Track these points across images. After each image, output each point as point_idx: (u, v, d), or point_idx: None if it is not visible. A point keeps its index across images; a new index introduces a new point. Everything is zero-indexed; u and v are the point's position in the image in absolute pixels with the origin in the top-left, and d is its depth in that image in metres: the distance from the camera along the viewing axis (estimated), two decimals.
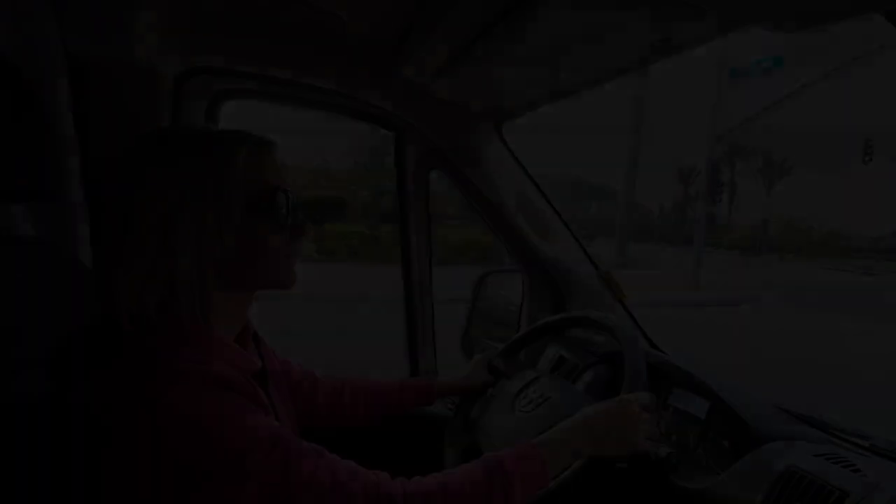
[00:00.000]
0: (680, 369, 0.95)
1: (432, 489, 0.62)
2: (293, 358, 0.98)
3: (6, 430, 0.58)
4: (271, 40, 1.09)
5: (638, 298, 1.61)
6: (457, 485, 0.63)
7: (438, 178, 1.35)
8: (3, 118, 0.69)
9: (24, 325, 0.67)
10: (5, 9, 0.85)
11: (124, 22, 0.93)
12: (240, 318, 0.72)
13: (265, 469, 0.55)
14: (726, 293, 10.60)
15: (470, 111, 1.18)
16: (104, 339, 0.60)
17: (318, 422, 1.00)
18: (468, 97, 1.12)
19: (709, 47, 0.90)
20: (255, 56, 1.12)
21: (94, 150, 0.97)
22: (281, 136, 0.77)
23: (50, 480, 0.58)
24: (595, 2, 0.70)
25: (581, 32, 0.73)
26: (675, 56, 0.80)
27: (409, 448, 1.26)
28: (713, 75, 10.53)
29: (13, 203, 0.87)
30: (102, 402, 0.56)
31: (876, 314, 8.96)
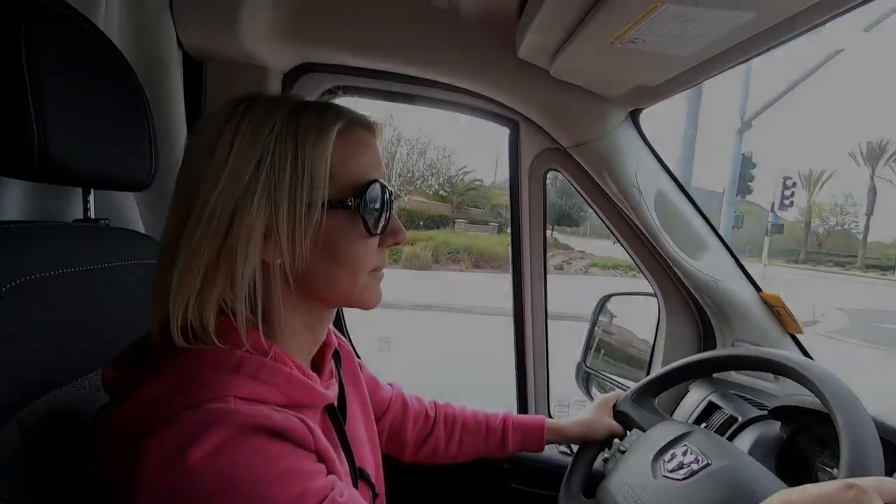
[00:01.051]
0: None
1: None
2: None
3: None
4: (380, 33, 1.01)
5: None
6: None
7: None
8: (117, 112, 0.67)
9: (126, 326, 0.62)
10: (125, 6, 0.85)
11: (234, 19, 0.89)
12: (315, 333, 0.59)
13: None
14: None
15: (598, 97, 1.00)
16: (152, 353, 0.50)
17: (405, 456, 0.87)
18: (596, 80, 0.93)
19: None
20: (363, 50, 1.04)
21: None
22: None
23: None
24: None
25: None
26: None
27: (507, 498, 1.08)
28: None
29: (121, 195, 0.86)
30: (117, 445, 0.44)
31: None
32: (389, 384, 0.89)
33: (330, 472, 0.48)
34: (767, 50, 0.72)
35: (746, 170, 8.59)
